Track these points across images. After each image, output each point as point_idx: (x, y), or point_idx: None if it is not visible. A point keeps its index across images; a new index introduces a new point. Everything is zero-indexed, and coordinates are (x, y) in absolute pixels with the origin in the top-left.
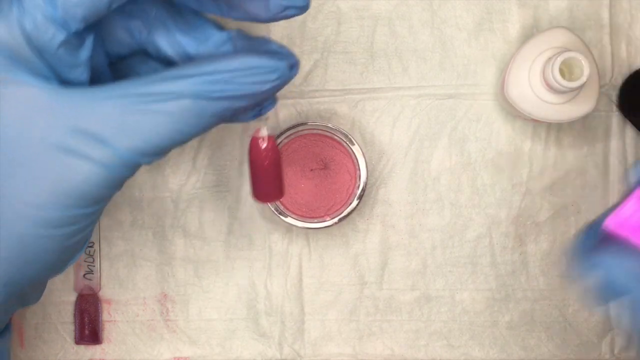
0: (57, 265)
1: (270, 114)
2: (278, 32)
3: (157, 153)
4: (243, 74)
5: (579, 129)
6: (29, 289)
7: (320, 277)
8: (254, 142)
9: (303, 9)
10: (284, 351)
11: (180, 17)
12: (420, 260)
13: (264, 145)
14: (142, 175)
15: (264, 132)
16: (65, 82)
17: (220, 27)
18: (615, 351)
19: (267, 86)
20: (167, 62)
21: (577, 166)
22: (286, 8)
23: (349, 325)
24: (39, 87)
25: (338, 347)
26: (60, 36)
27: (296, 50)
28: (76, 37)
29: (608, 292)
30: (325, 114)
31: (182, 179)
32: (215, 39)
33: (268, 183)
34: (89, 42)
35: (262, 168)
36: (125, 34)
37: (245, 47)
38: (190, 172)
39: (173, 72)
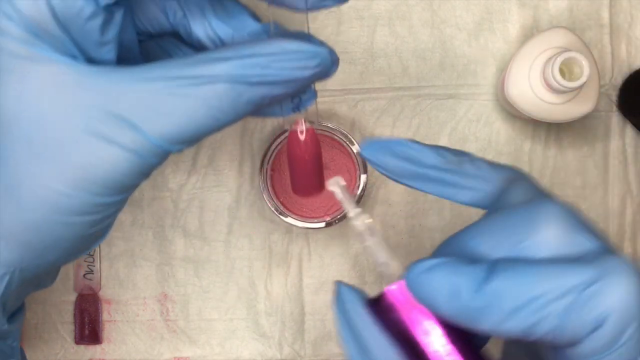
0: (75, 252)
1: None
2: None
3: (189, 140)
4: (283, 58)
5: (579, 129)
6: (44, 274)
7: (320, 277)
8: (292, 135)
9: (341, 1)
10: (284, 351)
11: (218, 2)
12: None
13: (302, 138)
14: None
15: (302, 125)
16: (91, 61)
17: (258, 18)
18: None
19: (308, 72)
20: (199, 48)
21: (577, 166)
22: None
23: None
24: (66, 65)
25: (338, 347)
26: (89, 9)
27: None
28: (105, 12)
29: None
30: (325, 114)
31: (182, 178)
32: (251, 28)
33: (309, 177)
34: (118, 17)
35: (302, 162)
36: (159, 13)
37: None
38: (190, 172)
39: (209, 55)
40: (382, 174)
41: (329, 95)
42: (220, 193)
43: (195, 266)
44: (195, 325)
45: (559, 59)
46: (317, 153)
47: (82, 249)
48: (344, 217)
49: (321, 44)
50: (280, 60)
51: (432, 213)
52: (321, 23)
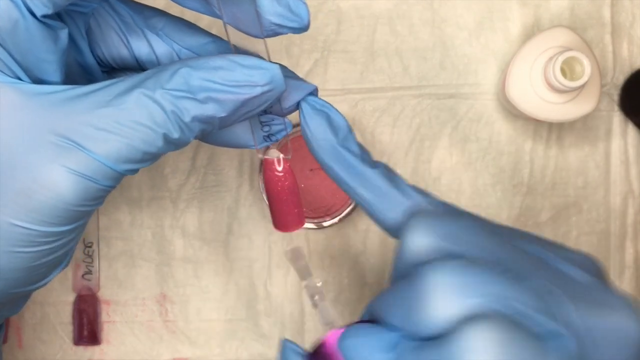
0: (28, 283)
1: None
2: None
3: (140, 160)
4: (229, 71)
5: (581, 129)
6: None
7: (320, 277)
8: (264, 167)
9: (297, 30)
10: None
11: (189, 31)
12: None
13: (279, 168)
14: (141, 174)
15: (274, 154)
16: (36, 81)
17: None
18: None
19: (257, 90)
20: None
21: (579, 166)
22: (280, 27)
23: None
24: (6, 83)
25: None
26: (25, 22)
27: (296, 50)
28: (46, 27)
29: None
30: None
31: (181, 178)
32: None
33: (287, 210)
34: (63, 37)
35: (275, 194)
36: (122, 46)
37: None
38: (189, 171)
39: (155, 69)
40: (306, 140)
41: (329, 94)
42: (219, 193)
43: (194, 266)
44: (195, 326)
45: (560, 58)
46: (291, 185)
47: (35, 279)
48: (345, 217)
49: (274, 63)
50: (226, 74)
51: None
52: (321, 22)
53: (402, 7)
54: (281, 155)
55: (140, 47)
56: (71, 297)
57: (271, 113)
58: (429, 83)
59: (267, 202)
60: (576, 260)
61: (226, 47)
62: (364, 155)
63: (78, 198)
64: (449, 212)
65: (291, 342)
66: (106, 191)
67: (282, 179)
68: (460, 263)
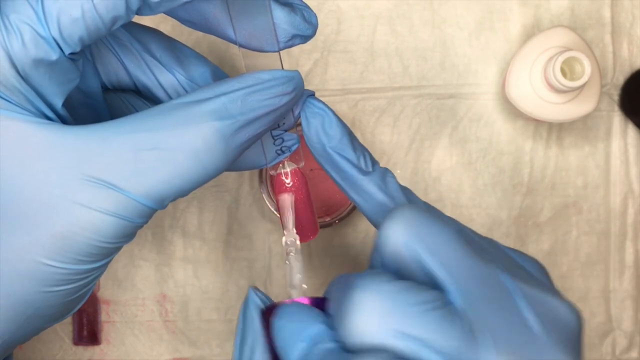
0: (57, 318)
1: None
2: None
3: (177, 196)
4: (259, 88)
5: (581, 129)
6: (25, 339)
7: (320, 277)
8: (278, 180)
9: (308, 38)
10: None
11: (186, 61)
12: None
13: (288, 180)
14: None
15: (286, 167)
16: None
17: (224, 73)
18: (617, 352)
19: (286, 99)
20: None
21: (579, 166)
22: (293, 36)
23: None
24: (35, 123)
25: None
26: (53, 58)
27: (296, 50)
28: (69, 62)
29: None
30: None
31: None
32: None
33: (299, 221)
34: (79, 67)
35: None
36: (120, 68)
37: None
38: None
39: (184, 99)
40: (308, 143)
41: (329, 94)
42: (219, 193)
43: (194, 266)
44: (195, 326)
45: (560, 59)
46: (305, 195)
47: (64, 313)
48: (344, 217)
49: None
50: (258, 91)
51: None
52: (321, 22)
53: (402, 7)
54: (295, 166)
55: (138, 70)
56: None
57: (284, 124)
58: (429, 83)
59: (277, 214)
60: (555, 308)
61: (219, 70)
62: (360, 160)
63: (115, 237)
64: (435, 217)
65: (257, 293)
66: (140, 227)
67: (296, 190)
68: (392, 289)
